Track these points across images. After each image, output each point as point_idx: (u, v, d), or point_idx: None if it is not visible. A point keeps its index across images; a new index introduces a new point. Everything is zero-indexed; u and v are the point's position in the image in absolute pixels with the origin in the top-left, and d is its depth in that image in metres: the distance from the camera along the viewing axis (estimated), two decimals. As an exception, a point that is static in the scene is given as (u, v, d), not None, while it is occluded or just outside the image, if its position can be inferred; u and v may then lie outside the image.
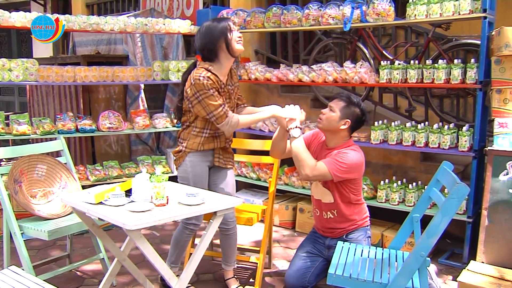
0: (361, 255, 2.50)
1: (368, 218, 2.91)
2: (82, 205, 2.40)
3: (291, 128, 2.72)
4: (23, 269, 2.69)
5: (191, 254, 2.80)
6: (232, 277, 3.13)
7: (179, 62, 4.82)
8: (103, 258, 3.18)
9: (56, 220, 2.92)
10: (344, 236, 2.83)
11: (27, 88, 5.95)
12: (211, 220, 2.49)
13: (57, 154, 3.33)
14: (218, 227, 2.81)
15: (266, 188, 3.44)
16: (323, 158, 2.76)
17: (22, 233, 2.83)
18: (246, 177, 4.75)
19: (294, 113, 2.78)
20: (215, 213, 2.46)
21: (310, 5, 4.10)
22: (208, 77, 2.72)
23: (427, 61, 3.74)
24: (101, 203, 2.37)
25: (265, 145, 3.45)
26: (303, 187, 4.29)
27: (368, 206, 3.02)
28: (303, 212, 4.27)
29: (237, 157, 3.39)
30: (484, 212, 3.26)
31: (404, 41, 4.91)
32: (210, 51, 2.80)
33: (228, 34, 2.77)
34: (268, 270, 3.42)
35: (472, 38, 4.02)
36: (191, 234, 3.00)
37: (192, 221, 2.92)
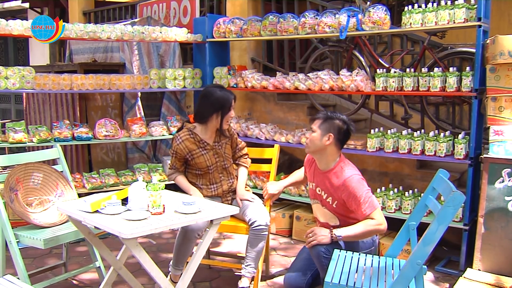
0: (358, 263, 2.50)
1: None
2: (78, 214, 2.39)
3: (334, 234, 2.61)
4: (18, 278, 2.67)
5: (187, 262, 2.79)
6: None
7: (175, 70, 4.83)
8: (99, 267, 3.16)
9: (52, 228, 2.91)
10: None
11: (23, 96, 5.94)
12: (207, 229, 2.49)
13: (54, 162, 3.32)
14: (251, 226, 2.91)
15: (263, 196, 3.43)
16: (320, 182, 2.75)
17: (17, 242, 2.82)
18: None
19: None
20: (211, 221, 2.46)
21: (306, 13, 4.13)
22: (183, 141, 3.05)
23: (422, 69, 3.77)
24: (97, 211, 2.37)
25: (262, 153, 3.45)
26: (300, 195, 4.30)
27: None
28: (299, 220, 4.26)
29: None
30: (480, 220, 3.27)
31: (400, 49, 4.95)
32: (202, 117, 3.07)
33: (227, 111, 3.03)
34: (265, 278, 3.41)
35: (467, 46, 4.05)
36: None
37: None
